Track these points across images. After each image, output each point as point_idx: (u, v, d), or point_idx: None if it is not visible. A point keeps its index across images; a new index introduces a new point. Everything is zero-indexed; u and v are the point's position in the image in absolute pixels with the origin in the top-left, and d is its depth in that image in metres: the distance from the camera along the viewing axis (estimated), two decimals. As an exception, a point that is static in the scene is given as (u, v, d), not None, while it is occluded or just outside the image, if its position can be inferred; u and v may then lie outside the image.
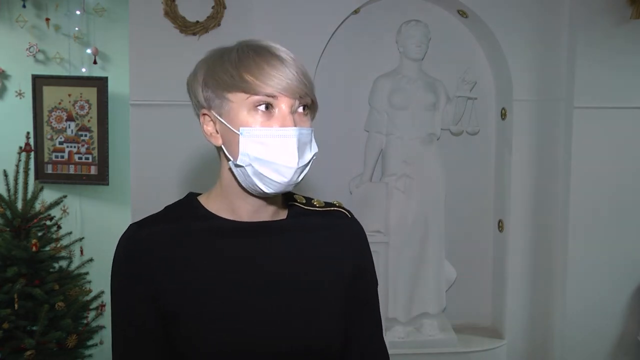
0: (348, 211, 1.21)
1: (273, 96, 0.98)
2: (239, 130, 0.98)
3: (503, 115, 3.21)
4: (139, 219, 1.09)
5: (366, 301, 1.19)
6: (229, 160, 1.02)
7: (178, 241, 1.04)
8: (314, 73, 2.94)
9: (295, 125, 0.98)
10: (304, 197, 1.19)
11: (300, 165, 0.99)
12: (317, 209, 1.17)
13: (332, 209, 1.19)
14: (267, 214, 1.09)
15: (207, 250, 1.04)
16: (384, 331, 3.38)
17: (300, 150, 0.98)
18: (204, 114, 1.04)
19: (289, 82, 0.98)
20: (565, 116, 3.09)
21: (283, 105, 0.98)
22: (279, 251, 1.08)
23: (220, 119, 1.01)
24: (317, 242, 1.12)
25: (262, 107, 0.98)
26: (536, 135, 3.13)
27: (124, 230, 1.06)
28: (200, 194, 1.13)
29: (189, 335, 1.01)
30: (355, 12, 3.10)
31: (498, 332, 3.27)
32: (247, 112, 0.98)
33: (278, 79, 0.97)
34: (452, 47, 3.24)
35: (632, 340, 3.14)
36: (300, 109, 1.01)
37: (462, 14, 3.15)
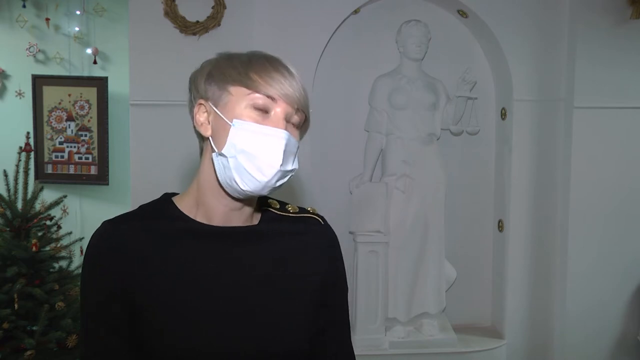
0: (322, 217, 1.21)
1: (273, 98, 1.01)
2: (232, 122, 1.00)
3: (503, 115, 3.21)
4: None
5: (336, 308, 1.19)
6: (213, 151, 1.04)
7: (149, 240, 1.05)
8: (314, 73, 2.95)
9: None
10: (278, 201, 1.19)
11: (282, 169, 1.00)
12: (290, 214, 1.17)
13: (306, 215, 1.19)
14: (240, 219, 1.09)
15: (177, 252, 1.05)
16: (384, 331, 3.35)
17: (286, 155, 1.00)
18: (200, 104, 1.06)
19: (292, 90, 1.02)
20: (565, 116, 3.09)
21: (279, 109, 1.01)
22: (249, 257, 1.08)
23: (216, 110, 1.03)
24: (288, 248, 1.13)
25: (260, 106, 1.01)
26: (536, 135, 3.13)
27: (97, 227, 1.08)
28: (176, 194, 1.14)
29: (154, 334, 1.02)
30: (355, 12, 3.10)
31: (498, 332, 3.27)
32: (244, 107, 1.01)
33: (282, 85, 1.01)
34: (452, 47, 3.24)
35: (632, 340, 3.14)
36: (293, 121, 1.04)
37: (462, 14, 3.15)
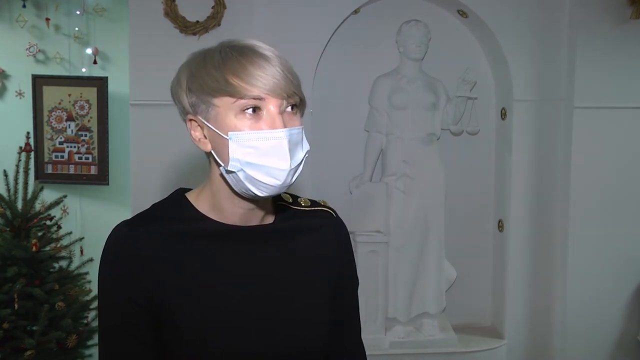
0: (333, 210, 1.21)
1: (260, 98, 0.95)
2: (227, 135, 0.95)
3: (503, 115, 3.21)
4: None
5: (349, 301, 1.20)
6: (219, 165, 1.00)
7: (167, 242, 1.02)
8: (314, 73, 2.95)
9: (285, 126, 0.96)
10: (290, 195, 1.17)
11: (293, 166, 0.97)
12: (303, 208, 1.16)
13: (318, 208, 1.19)
14: (258, 217, 1.07)
15: (197, 253, 1.03)
16: (384, 331, 3.34)
17: (292, 151, 0.96)
18: (191, 120, 1.02)
19: (276, 81, 0.95)
20: (565, 116, 3.09)
21: (271, 106, 0.96)
22: (269, 255, 1.07)
23: (208, 124, 0.98)
24: (304, 245, 1.12)
25: (250, 110, 0.95)
26: (536, 135, 3.13)
27: (112, 230, 1.04)
28: (189, 190, 1.11)
29: (176, 337, 1.00)
30: (355, 12, 3.10)
31: (498, 332, 3.27)
32: (235, 115, 0.95)
33: (264, 80, 0.95)
34: (452, 47, 3.24)
35: (632, 340, 3.14)
36: (289, 109, 0.98)
37: (462, 14, 3.15)
